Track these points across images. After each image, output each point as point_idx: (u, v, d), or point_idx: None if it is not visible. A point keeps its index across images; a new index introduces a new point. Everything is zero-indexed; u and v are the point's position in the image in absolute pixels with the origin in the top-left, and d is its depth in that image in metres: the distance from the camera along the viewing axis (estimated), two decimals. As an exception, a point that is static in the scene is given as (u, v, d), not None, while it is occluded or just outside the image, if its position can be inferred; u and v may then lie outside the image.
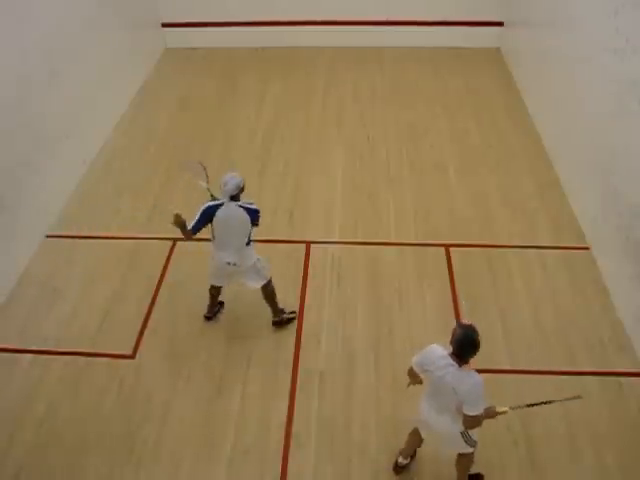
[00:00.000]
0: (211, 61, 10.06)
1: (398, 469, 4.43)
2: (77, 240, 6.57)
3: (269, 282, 5.20)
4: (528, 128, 8.07)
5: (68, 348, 5.43)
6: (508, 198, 6.92)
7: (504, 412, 3.71)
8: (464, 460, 4.10)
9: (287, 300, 5.65)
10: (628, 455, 4.52)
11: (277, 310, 5.41)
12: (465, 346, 3.57)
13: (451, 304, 5.70)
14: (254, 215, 4.80)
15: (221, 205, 4.77)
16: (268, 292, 5.26)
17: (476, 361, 5.15)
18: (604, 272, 5.92)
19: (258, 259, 5.07)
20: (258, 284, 5.15)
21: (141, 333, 5.53)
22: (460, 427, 3.75)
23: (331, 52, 10.01)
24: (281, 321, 5.47)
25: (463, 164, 7.50)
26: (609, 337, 5.36)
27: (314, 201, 7.01)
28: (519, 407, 3.80)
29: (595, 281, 5.89)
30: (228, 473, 4.50)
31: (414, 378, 3.99)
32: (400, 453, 4.42)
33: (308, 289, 5.85)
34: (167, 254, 6.32)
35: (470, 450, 3.97)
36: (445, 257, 6.21)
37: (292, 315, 5.55)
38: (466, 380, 3.58)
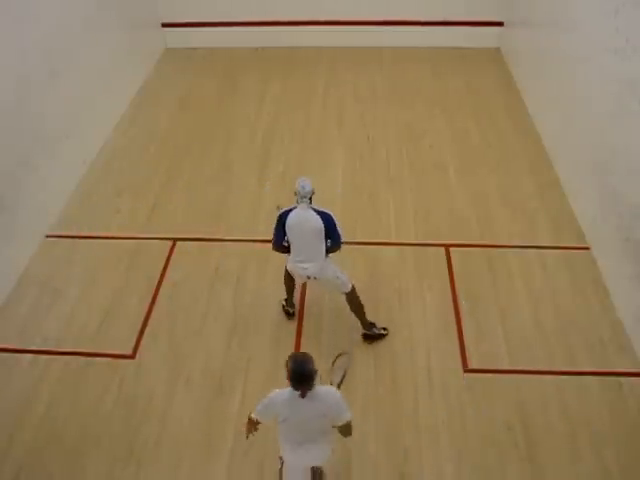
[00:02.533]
0: (211, 61, 10.07)
1: None
2: (77, 240, 6.57)
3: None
4: (528, 128, 8.07)
5: (68, 348, 5.43)
6: (508, 198, 6.92)
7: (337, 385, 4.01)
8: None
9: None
10: (628, 455, 4.51)
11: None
12: (302, 380, 3.46)
13: (451, 304, 5.70)
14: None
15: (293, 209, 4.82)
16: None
17: (476, 361, 5.19)
18: (604, 272, 5.92)
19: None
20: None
21: (141, 333, 5.53)
22: (329, 444, 3.81)
23: (331, 52, 10.01)
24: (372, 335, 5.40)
25: (463, 164, 7.50)
26: (609, 337, 5.36)
27: (314, 201, 6.97)
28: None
29: (595, 281, 5.89)
30: (228, 473, 4.50)
31: (253, 426, 3.80)
32: None
33: (308, 289, 5.85)
34: (167, 254, 6.32)
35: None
36: (445, 257, 6.21)
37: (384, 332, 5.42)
38: (326, 398, 3.55)
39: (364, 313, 5.28)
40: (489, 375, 5.11)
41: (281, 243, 4.92)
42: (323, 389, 3.63)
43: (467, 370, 5.14)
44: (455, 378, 5.08)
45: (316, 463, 3.95)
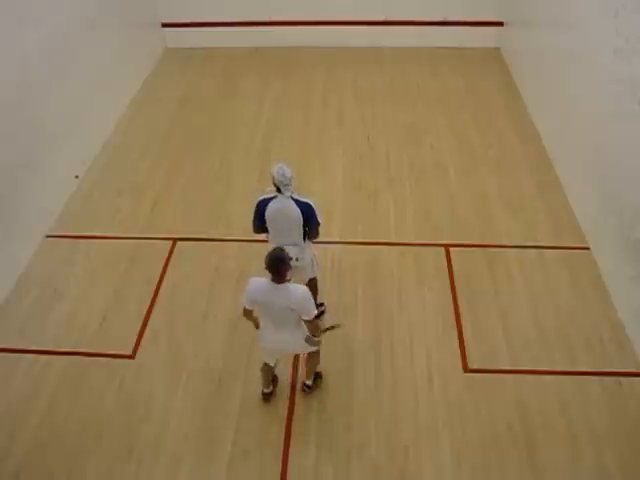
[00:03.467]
0: (211, 61, 10.06)
1: (267, 397, 4.90)
2: (77, 240, 6.57)
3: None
4: (528, 128, 8.07)
5: (68, 348, 5.43)
6: (508, 198, 6.92)
7: (324, 330, 4.41)
8: (313, 358, 4.77)
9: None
10: (628, 455, 4.51)
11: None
12: (276, 265, 3.95)
13: (451, 304, 5.70)
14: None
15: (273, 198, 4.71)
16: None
17: (477, 361, 5.19)
18: (604, 272, 5.92)
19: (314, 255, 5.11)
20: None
21: (141, 333, 5.53)
22: (302, 334, 4.32)
23: (331, 52, 10.01)
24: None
25: (463, 164, 7.50)
26: (609, 337, 5.36)
27: (314, 201, 6.99)
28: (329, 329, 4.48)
29: (595, 281, 5.89)
30: (228, 473, 4.50)
31: (251, 318, 4.40)
32: (262, 385, 4.87)
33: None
34: (167, 254, 6.32)
35: (315, 348, 4.59)
36: (445, 257, 6.21)
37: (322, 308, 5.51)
38: (294, 293, 4.03)
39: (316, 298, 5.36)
40: (489, 375, 5.11)
41: (261, 227, 4.88)
42: (294, 285, 4.08)
43: (467, 370, 5.14)
44: (455, 378, 5.08)
45: (291, 351, 4.72)
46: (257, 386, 5.02)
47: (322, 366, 5.13)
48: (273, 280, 4.03)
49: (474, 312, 5.62)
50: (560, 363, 5.17)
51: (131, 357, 5.34)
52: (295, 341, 4.40)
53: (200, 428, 4.79)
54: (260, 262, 6.16)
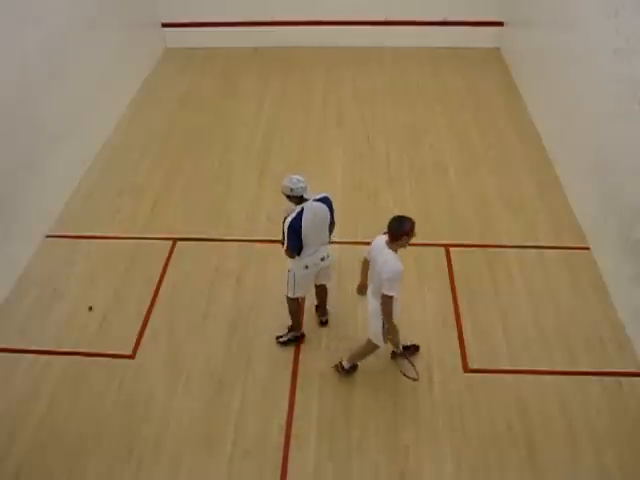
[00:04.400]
0: (211, 61, 10.06)
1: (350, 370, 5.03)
2: (77, 240, 6.57)
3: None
4: (528, 128, 8.07)
5: (68, 348, 5.43)
6: (508, 198, 6.92)
7: (394, 332, 4.41)
8: (364, 346, 4.80)
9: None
10: (628, 455, 4.52)
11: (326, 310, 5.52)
12: (393, 222, 4.10)
13: (451, 304, 5.70)
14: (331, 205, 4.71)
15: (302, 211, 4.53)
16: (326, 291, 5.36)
17: (477, 361, 5.19)
18: (604, 272, 5.92)
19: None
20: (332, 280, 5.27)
21: (141, 333, 5.54)
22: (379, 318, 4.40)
23: (331, 52, 10.01)
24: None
25: (463, 164, 7.50)
26: (609, 337, 5.36)
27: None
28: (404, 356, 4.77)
29: (595, 281, 5.89)
30: (228, 473, 4.50)
31: (363, 274, 4.67)
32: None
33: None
34: (167, 254, 6.32)
35: (375, 343, 4.65)
36: (445, 257, 6.21)
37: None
38: (389, 260, 4.12)
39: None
40: (489, 375, 5.11)
41: (300, 245, 4.65)
42: (395, 257, 4.17)
43: (467, 370, 5.14)
44: (455, 378, 5.08)
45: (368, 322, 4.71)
46: (257, 386, 5.03)
47: (323, 365, 5.14)
48: (387, 241, 4.19)
49: (474, 312, 5.62)
50: (560, 363, 5.17)
51: (131, 357, 5.34)
52: (372, 315, 4.50)
53: (200, 428, 4.79)
54: (261, 261, 6.22)
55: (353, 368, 5.07)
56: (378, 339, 4.60)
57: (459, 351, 5.29)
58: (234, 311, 5.71)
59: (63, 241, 6.57)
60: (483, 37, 9.91)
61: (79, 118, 7.29)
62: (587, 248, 6.23)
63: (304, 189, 4.50)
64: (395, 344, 4.51)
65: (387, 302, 4.22)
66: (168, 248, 6.39)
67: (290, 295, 5.07)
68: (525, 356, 5.23)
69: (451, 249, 6.29)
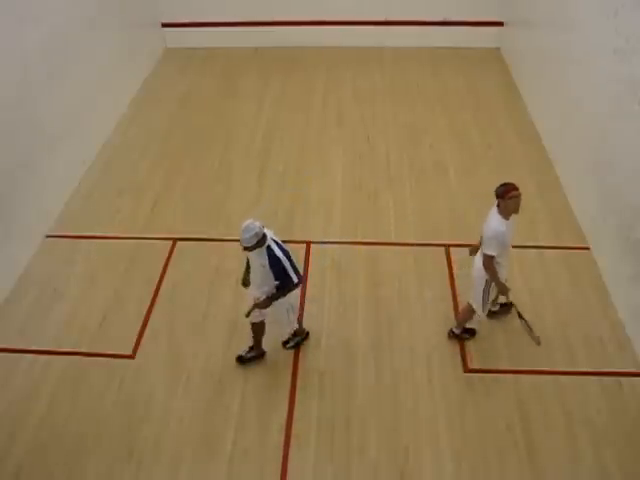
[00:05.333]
0: (211, 61, 10.06)
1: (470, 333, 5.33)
2: (77, 240, 6.57)
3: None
4: (528, 128, 8.07)
5: (68, 348, 5.43)
6: (508, 198, 6.91)
7: (508, 291, 4.74)
8: (466, 312, 5.09)
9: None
10: (628, 455, 4.52)
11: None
12: (499, 187, 4.42)
13: (451, 304, 5.70)
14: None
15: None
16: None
17: (476, 361, 5.19)
18: (604, 272, 5.92)
19: None
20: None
21: (141, 333, 5.53)
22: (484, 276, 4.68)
23: (331, 52, 10.01)
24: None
25: (463, 164, 7.50)
26: (609, 337, 5.36)
27: (314, 201, 7.00)
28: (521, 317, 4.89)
29: (595, 281, 5.89)
30: (228, 473, 4.50)
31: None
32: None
33: (308, 289, 5.85)
34: (167, 254, 6.32)
35: (475, 307, 4.92)
36: (445, 257, 6.21)
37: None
38: (492, 220, 4.45)
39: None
40: (489, 375, 5.11)
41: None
42: (499, 219, 4.47)
43: (467, 370, 5.14)
44: (455, 378, 5.08)
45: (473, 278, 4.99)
46: (257, 386, 5.03)
47: (323, 365, 5.14)
48: (497, 205, 4.51)
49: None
50: (560, 363, 5.17)
51: (131, 357, 5.34)
52: (477, 277, 4.80)
53: (200, 428, 4.79)
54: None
55: (466, 332, 5.32)
56: (478, 305, 4.89)
57: (459, 351, 5.29)
58: (234, 311, 5.70)
59: (63, 241, 6.57)
60: (483, 37, 9.91)
61: (79, 118, 7.29)
62: (587, 248, 6.23)
63: (264, 235, 4.44)
64: (507, 297, 4.81)
65: (487, 261, 4.53)
66: (168, 248, 6.39)
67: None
68: (525, 356, 5.23)
69: (451, 249, 6.29)
